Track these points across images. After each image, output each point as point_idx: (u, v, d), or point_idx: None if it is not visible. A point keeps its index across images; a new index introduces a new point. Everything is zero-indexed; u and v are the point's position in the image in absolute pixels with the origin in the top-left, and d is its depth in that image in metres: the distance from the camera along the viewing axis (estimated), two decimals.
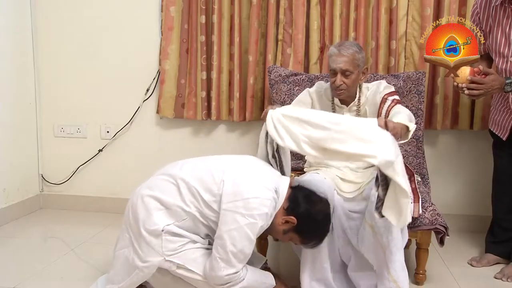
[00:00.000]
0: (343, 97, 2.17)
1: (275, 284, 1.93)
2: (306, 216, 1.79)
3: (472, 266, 2.42)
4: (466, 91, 2.08)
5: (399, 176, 1.68)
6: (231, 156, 1.99)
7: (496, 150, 2.44)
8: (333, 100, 2.23)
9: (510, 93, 2.16)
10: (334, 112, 2.24)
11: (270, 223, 1.78)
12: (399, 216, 1.73)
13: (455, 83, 2.11)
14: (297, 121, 1.80)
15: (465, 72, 2.06)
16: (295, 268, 2.09)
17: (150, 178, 1.91)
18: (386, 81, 2.50)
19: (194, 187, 1.78)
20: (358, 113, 2.20)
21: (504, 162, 2.38)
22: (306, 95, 2.32)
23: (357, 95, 2.20)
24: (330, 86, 2.19)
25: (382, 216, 1.79)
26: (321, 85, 2.32)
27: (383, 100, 2.13)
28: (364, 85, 2.23)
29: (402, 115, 1.95)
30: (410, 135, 1.90)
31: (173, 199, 1.79)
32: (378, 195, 1.81)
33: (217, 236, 1.73)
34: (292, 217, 1.79)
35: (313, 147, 1.77)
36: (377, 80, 2.46)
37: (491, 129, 2.39)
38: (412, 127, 1.89)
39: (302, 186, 1.88)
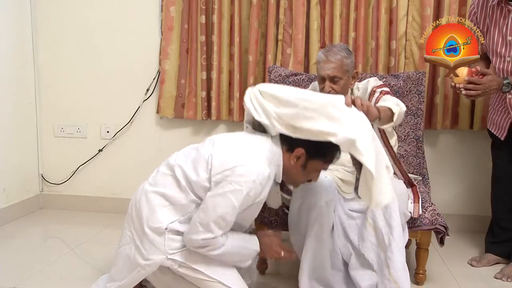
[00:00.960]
0: None
1: (258, 250, 1.86)
2: (310, 139, 1.74)
3: (472, 266, 2.42)
4: (464, 91, 2.08)
5: (363, 155, 1.62)
6: (221, 134, 1.97)
7: (494, 150, 2.44)
8: None
9: (508, 93, 2.16)
10: None
11: (263, 195, 1.72)
12: (370, 197, 1.69)
13: (453, 84, 2.11)
14: (271, 97, 1.77)
15: (462, 72, 2.06)
16: (295, 268, 2.08)
17: (152, 174, 1.91)
18: (386, 81, 2.51)
19: (188, 175, 1.76)
20: None
21: (503, 162, 2.38)
22: None
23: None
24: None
25: (359, 197, 1.77)
26: (315, 86, 2.30)
27: (372, 93, 2.09)
28: (356, 85, 2.21)
29: (388, 102, 1.91)
30: (395, 118, 1.86)
31: (175, 193, 1.78)
32: (356, 176, 1.78)
33: (202, 202, 1.72)
34: (298, 149, 1.75)
35: (282, 125, 1.73)
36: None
37: (490, 129, 2.39)
38: (396, 109, 1.85)
39: None
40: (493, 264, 2.41)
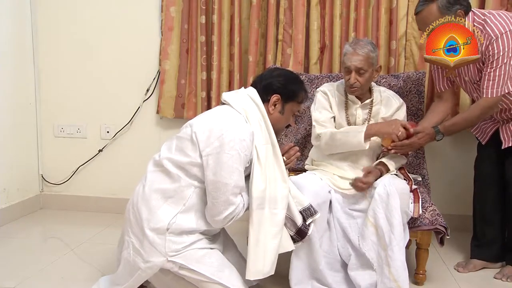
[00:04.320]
0: (357, 94, 2.21)
1: None
2: (281, 84, 1.87)
3: (458, 272, 2.36)
4: (393, 151, 2.14)
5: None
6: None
7: (479, 149, 2.45)
8: (346, 96, 2.26)
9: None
10: (346, 108, 2.25)
11: (252, 154, 1.79)
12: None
13: (383, 147, 2.18)
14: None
15: (388, 142, 2.13)
16: None
17: (143, 177, 1.90)
18: (386, 82, 2.52)
19: (178, 160, 1.78)
20: (370, 111, 2.23)
21: (485, 162, 2.40)
22: (319, 93, 2.31)
23: (373, 94, 2.24)
24: (344, 83, 2.22)
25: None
26: (331, 85, 2.34)
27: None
28: (377, 87, 2.28)
29: (394, 159, 2.18)
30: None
31: (169, 183, 1.79)
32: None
33: (208, 183, 1.74)
34: (274, 95, 1.86)
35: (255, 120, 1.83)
36: (376, 80, 2.49)
37: (473, 132, 2.42)
38: (393, 169, 2.15)
39: (256, 80, 1.95)
40: (480, 269, 2.37)
